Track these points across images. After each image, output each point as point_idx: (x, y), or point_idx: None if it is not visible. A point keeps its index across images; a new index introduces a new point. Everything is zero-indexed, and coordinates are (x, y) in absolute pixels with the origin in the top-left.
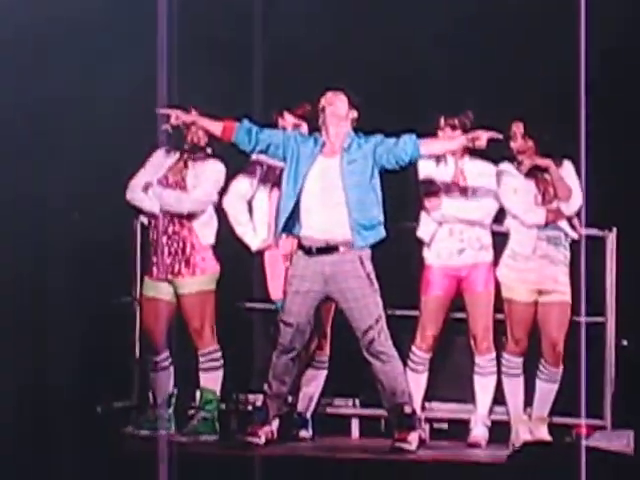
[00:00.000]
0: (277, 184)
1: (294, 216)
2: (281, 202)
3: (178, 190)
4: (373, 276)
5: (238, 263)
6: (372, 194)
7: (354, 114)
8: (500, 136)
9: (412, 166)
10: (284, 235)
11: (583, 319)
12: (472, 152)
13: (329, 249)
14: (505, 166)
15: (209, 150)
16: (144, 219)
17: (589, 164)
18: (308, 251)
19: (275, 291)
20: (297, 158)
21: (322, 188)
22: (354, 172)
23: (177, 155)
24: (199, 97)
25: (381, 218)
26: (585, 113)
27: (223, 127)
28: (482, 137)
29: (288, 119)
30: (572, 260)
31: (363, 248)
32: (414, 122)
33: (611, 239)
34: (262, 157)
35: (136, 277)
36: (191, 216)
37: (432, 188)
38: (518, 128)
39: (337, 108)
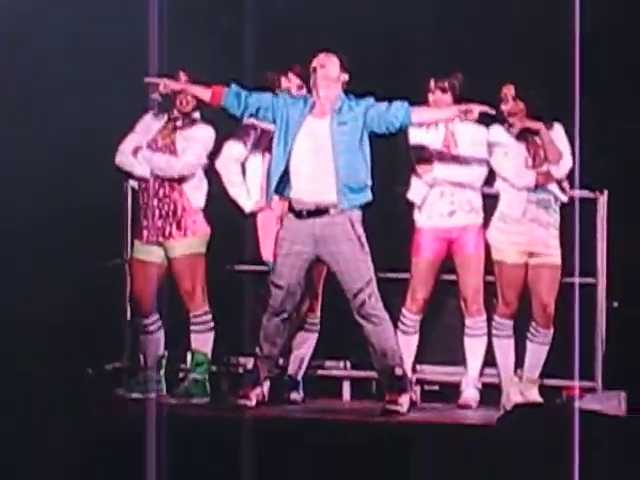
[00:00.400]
0: (270, 148)
1: (285, 178)
2: (272, 164)
3: (168, 154)
4: (364, 239)
5: (229, 225)
6: (361, 157)
7: (345, 77)
8: (493, 112)
9: (402, 132)
10: (277, 197)
11: (577, 280)
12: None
13: (319, 211)
14: (496, 129)
15: (198, 114)
16: (134, 183)
17: (582, 127)
18: (298, 214)
19: (268, 253)
20: (287, 119)
21: (311, 149)
22: (344, 134)
23: (166, 119)
24: (189, 62)
25: (369, 182)
26: (579, 76)
27: (212, 92)
28: (474, 111)
29: (293, 80)
30: (562, 223)
31: (353, 210)
32: (404, 85)
33: (602, 201)
34: (255, 121)
35: (126, 240)
36: (182, 179)
37: (423, 152)
38: (509, 90)
39: (328, 70)
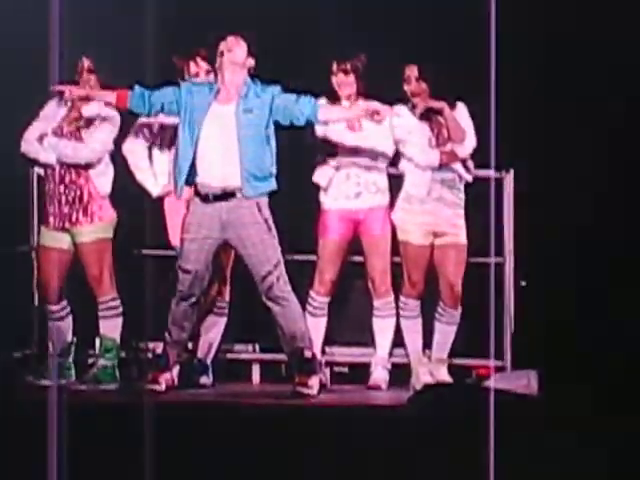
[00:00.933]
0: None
1: (192, 164)
2: (179, 153)
3: (74, 140)
4: (271, 222)
5: (135, 210)
6: (266, 145)
7: (251, 62)
8: (397, 114)
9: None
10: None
11: (492, 260)
12: (367, 95)
13: (225, 195)
14: (399, 108)
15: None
16: (40, 170)
17: (487, 106)
18: (205, 198)
19: (175, 237)
20: (191, 108)
21: (217, 135)
22: (249, 121)
23: (70, 105)
24: (91, 47)
25: (273, 170)
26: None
27: (117, 96)
28: (382, 114)
29: (201, 64)
30: (468, 202)
31: (258, 196)
32: (307, 68)
33: (508, 180)
34: (152, 119)
35: (32, 227)
36: (88, 165)
37: (327, 133)
38: (412, 71)
39: (235, 54)
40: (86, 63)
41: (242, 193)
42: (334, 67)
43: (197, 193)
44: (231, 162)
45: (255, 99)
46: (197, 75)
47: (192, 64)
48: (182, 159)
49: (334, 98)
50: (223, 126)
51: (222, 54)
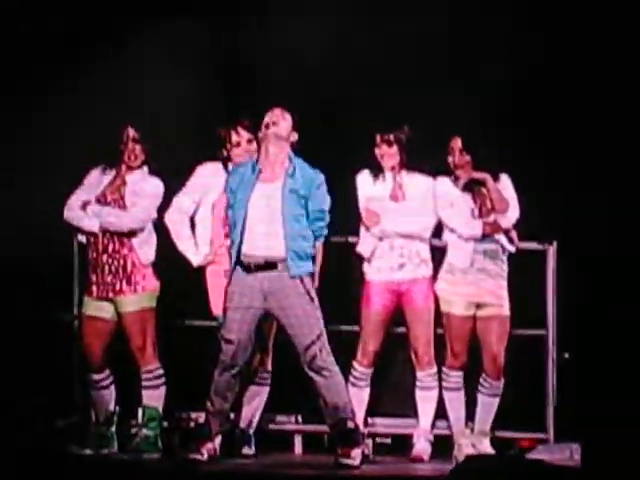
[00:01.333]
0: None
1: (239, 238)
2: (232, 230)
3: (117, 208)
4: (313, 293)
5: (178, 279)
6: (306, 226)
7: (295, 136)
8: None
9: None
10: (224, 251)
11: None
12: (409, 166)
13: (268, 266)
14: (442, 180)
15: (146, 168)
16: (82, 238)
17: (530, 178)
18: (247, 267)
19: (217, 307)
20: (236, 189)
21: (262, 212)
22: (294, 201)
23: (114, 173)
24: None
25: (311, 251)
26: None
27: None
28: None
29: (242, 134)
30: (511, 273)
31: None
32: (350, 137)
33: (551, 252)
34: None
35: (75, 296)
36: (131, 234)
37: (371, 204)
38: (456, 143)
39: (280, 128)
40: (131, 133)
41: (287, 272)
42: (377, 139)
43: (239, 263)
44: (275, 235)
45: (301, 181)
46: (238, 145)
47: (233, 133)
48: (234, 236)
49: (377, 170)
50: (269, 204)
51: (267, 126)
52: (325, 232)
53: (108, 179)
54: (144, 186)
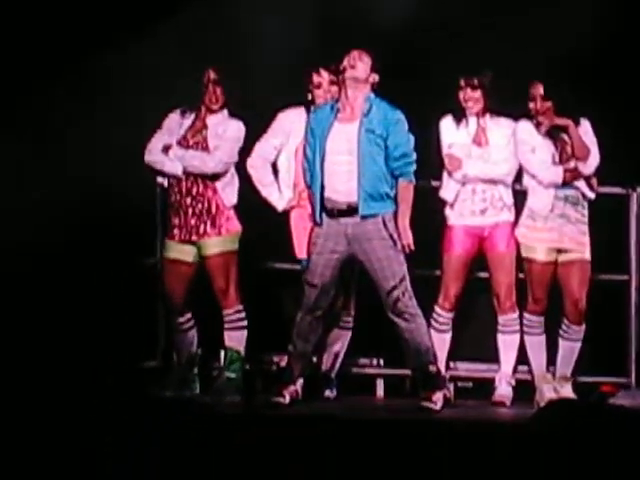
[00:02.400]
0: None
1: (319, 181)
2: (308, 172)
3: (200, 151)
4: (396, 236)
5: (261, 222)
6: (384, 166)
7: (375, 78)
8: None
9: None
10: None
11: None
12: (492, 110)
13: (350, 211)
14: (524, 124)
15: (226, 111)
16: (164, 181)
17: (610, 124)
18: (330, 212)
19: (301, 250)
20: (314, 128)
21: (340, 153)
22: (371, 141)
23: (194, 116)
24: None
25: (391, 192)
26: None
27: None
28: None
29: (324, 75)
30: (594, 218)
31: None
32: (433, 82)
33: (635, 197)
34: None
35: (158, 239)
36: (214, 176)
37: (453, 149)
38: (537, 89)
39: (358, 70)
40: (212, 75)
41: (358, 212)
42: (461, 82)
43: (322, 207)
44: (354, 179)
45: (378, 120)
46: (319, 86)
47: (314, 75)
48: (312, 180)
49: (461, 115)
50: (346, 144)
51: (344, 70)
52: (409, 170)
53: (188, 123)
54: (226, 128)
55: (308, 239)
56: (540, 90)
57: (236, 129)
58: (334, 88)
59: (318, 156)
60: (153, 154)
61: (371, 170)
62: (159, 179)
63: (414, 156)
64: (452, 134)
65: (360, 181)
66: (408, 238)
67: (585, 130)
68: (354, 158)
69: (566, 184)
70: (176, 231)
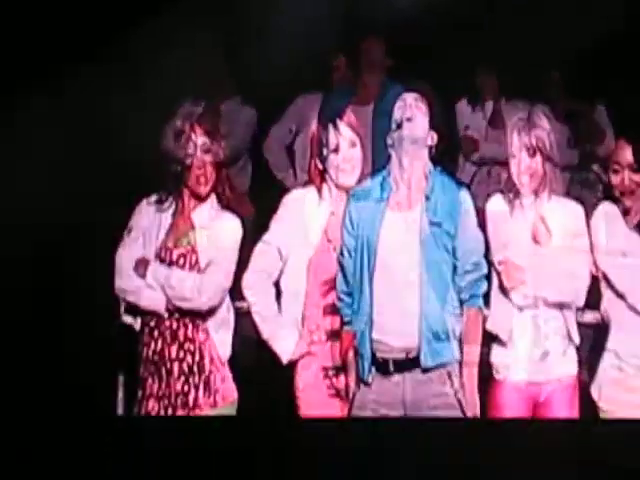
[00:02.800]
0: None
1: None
2: (341, 294)
3: (188, 269)
4: (461, 395)
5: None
6: (452, 285)
7: (434, 137)
8: None
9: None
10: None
11: None
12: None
13: (410, 362)
14: (607, 209)
15: (215, 196)
16: (134, 322)
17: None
18: (383, 367)
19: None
20: (361, 224)
21: (395, 265)
22: (437, 243)
23: (173, 208)
24: None
25: (457, 327)
26: None
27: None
28: None
29: (344, 132)
30: None
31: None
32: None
33: None
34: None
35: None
36: (209, 312)
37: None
38: (624, 156)
39: (416, 126)
40: (198, 132)
41: (419, 363)
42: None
43: (369, 357)
44: (416, 307)
45: (442, 205)
46: (337, 150)
47: (332, 131)
48: (354, 311)
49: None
50: (403, 248)
51: (400, 126)
52: (481, 290)
53: (168, 218)
54: (221, 228)
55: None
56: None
57: (231, 228)
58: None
59: (366, 267)
60: (124, 277)
61: (439, 292)
62: (126, 318)
63: (486, 266)
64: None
65: (424, 311)
66: (475, 407)
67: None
68: (415, 271)
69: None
70: (152, 403)
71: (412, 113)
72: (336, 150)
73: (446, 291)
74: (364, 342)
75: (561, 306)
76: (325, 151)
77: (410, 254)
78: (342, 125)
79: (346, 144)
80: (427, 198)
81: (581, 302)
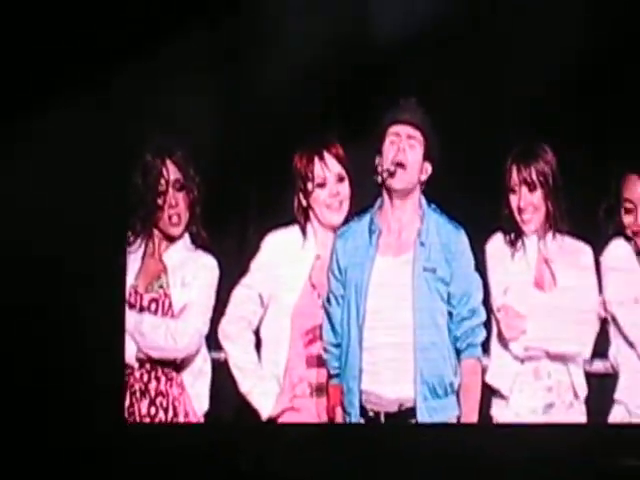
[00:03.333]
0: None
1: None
2: (328, 342)
3: (161, 315)
4: None
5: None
6: (448, 335)
7: (428, 168)
8: None
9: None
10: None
11: None
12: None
13: (403, 416)
14: (619, 248)
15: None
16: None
17: None
18: (371, 419)
19: None
20: (349, 268)
21: (388, 313)
22: (431, 291)
23: (143, 249)
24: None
25: (455, 380)
26: None
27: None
28: None
29: (331, 165)
30: None
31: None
32: None
33: None
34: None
35: None
36: (184, 362)
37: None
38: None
39: (411, 166)
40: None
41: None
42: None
43: (358, 408)
44: (410, 359)
45: (436, 249)
46: (323, 185)
47: (318, 163)
48: (342, 361)
49: None
50: (394, 296)
51: (392, 175)
52: (479, 339)
53: (138, 260)
54: (196, 269)
55: None
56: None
57: (209, 269)
58: (344, 189)
59: (355, 317)
60: None
61: (434, 342)
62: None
63: (484, 313)
64: (503, 266)
65: (418, 363)
66: None
67: None
68: (409, 320)
69: None
70: None
71: (404, 157)
72: (322, 185)
73: (442, 341)
74: (353, 394)
75: (565, 358)
76: (310, 186)
77: (402, 302)
78: (329, 157)
79: (333, 178)
80: (422, 244)
81: (587, 354)
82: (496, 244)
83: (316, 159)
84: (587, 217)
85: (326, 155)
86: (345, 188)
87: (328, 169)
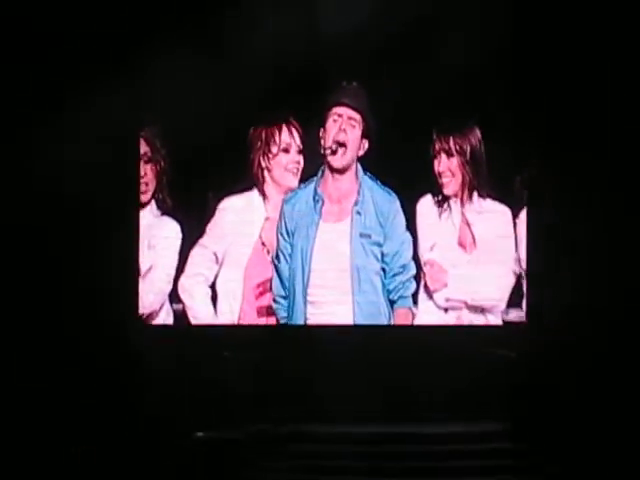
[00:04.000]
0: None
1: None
2: (278, 300)
3: None
4: None
5: None
6: (382, 290)
7: (365, 144)
8: None
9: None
10: None
11: None
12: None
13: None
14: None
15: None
16: None
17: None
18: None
19: None
20: (296, 230)
21: (327, 274)
22: (366, 253)
23: None
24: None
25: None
26: None
27: None
28: None
29: (295, 136)
30: None
31: None
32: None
33: None
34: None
35: None
36: (149, 317)
37: (433, 255)
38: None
39: (351, 145)
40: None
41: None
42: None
43: None
44: (349, 314)
45: (371, 215)
46: (287, 150)
47: (286, 130)
48: (292, 316)
49: None
50: (334, 257)
51: (334, 150)
52: (410, 291)
53: None
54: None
55: None
56: None
57: (173, 233)
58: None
59: (300, 275)
60: None
61: (370, 297)
62: None
63: (414, 268)
64: (431, 227)
65: (356, 318)
66: None
67: None
68: (347, 281)
69: None
70: None
71: (345, 137)
72: (287, 150)
73: (376, 295)
74: None
75: (483, 309)
76: (275, 149)
77: (342, 263)
78: (293, 129)
79: (296, 148)
80: (358, 213)
81: (502, 306)
82: (425, 204)
83: (284, 127)
84: (507, 184)
85: (291, 127)
86: (301, 159)
87: (293, 139)
